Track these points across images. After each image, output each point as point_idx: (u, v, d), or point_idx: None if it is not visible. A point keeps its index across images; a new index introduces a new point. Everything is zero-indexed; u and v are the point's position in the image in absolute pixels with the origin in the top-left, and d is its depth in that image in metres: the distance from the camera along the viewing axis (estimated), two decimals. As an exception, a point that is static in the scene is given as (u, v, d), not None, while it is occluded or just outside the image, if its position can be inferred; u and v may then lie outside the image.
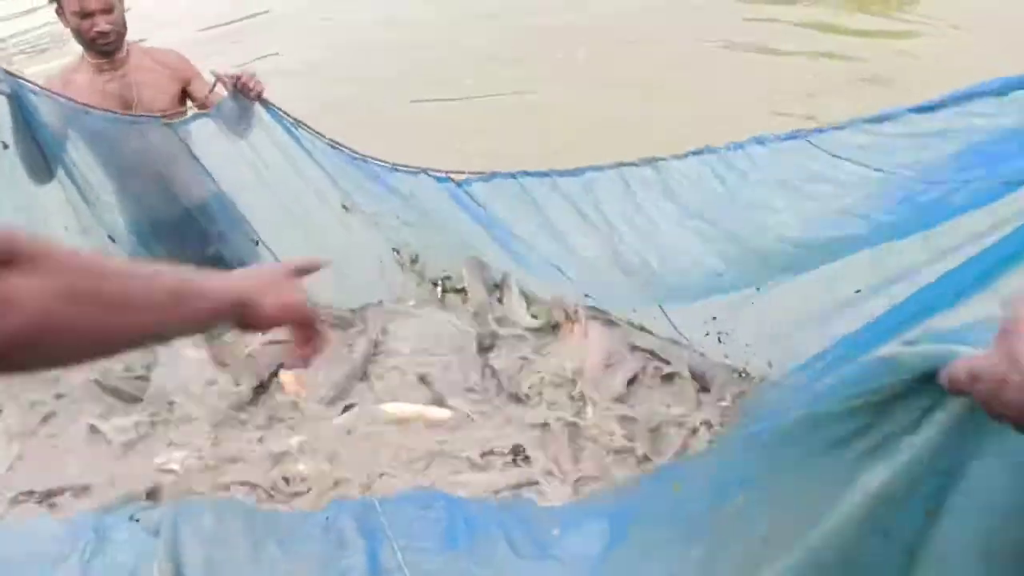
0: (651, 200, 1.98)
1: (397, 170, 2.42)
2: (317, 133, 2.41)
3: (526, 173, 2.20)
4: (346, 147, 2.41)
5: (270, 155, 2.50)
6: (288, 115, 2.41)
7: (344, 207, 2.61)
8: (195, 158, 2.53)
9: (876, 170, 1.64)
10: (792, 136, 1.73)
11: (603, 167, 2.04)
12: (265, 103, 2.38)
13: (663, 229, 2.00)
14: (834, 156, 1.67)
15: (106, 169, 2.54)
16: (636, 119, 5.08)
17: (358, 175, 2.47)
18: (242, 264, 2.55)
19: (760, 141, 1.77)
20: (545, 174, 2.16)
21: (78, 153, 2.47)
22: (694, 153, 1.87)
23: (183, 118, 2.53)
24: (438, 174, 2.37)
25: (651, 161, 1.94)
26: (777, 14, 7.21)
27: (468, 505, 1.79)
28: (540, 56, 6.65)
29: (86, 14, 2.36)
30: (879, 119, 1.62)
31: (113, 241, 2.66)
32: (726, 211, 1.87)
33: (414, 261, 2.73)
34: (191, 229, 2.70)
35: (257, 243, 2.74)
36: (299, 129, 2.41)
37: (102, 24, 2.38)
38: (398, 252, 2.72)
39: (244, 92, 2.34)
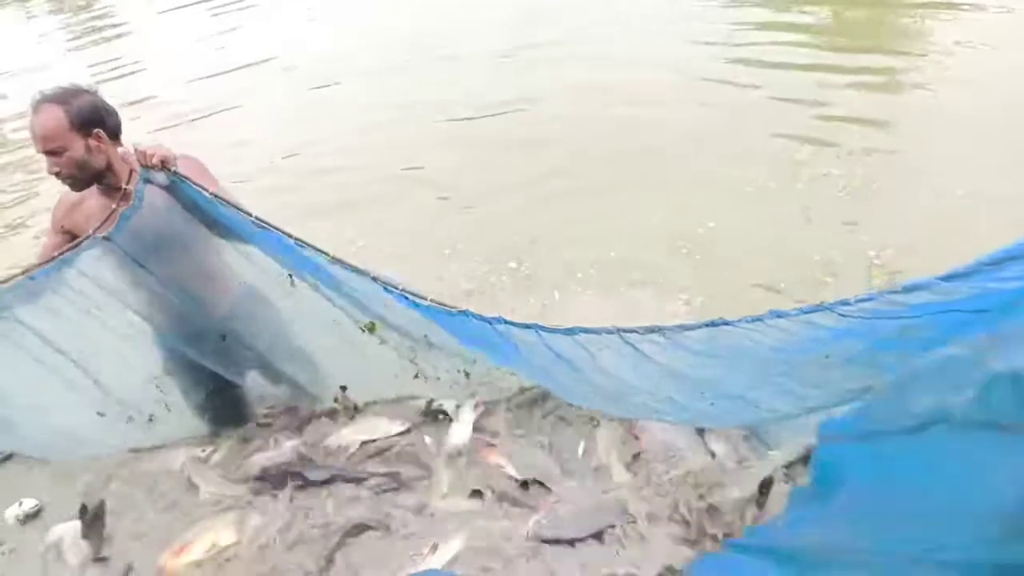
0: (657, 353, 1.83)
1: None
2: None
3: (504, 321, 1.95)
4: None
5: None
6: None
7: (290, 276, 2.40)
8: None
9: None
10: (816, 309, 1.61)
11: (599, 330, 1.84)
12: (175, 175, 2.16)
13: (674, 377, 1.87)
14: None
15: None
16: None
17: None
18: None
19: (780, 314, 1.64)
20: (528, 326, 1.93)
21: None
22: (707, 325, 1.71)
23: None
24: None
25: (657, 329, 1.76)
26: None
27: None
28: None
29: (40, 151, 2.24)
30: (908, 289, 1.53)
31: None
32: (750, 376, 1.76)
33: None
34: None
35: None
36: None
37: (48, 166, 2.25)
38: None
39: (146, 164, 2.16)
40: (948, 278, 1.49)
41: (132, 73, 9.59)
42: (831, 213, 4.77)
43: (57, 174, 2.25)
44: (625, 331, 1.80)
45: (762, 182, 5.19)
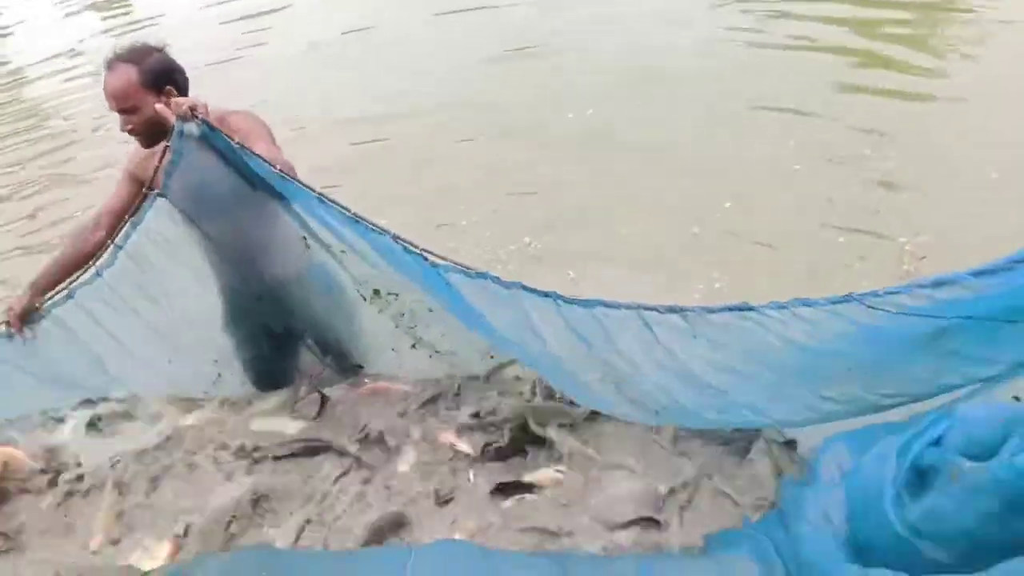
0: (676, 341, 1.79)
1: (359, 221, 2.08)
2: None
3: (523, 287, 1.92)
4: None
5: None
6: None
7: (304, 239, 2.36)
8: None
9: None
10: (844, 299, 1.57)
11: (619, 304, 1.81)
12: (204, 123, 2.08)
13: (692, 368, 1.83)
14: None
15: None
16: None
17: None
18: None
19: (807, 303, 1.61)
20: (546, 294, 1.90)
21: None
22: (730, 309, 1.68)
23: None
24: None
25: (678, 310, 1.73)
26: None
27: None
28: None
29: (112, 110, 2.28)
30: (938, 283, 1.49)
31: None
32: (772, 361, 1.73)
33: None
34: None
35: None
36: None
37: (121, 124, 2.30)
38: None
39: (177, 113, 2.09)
40: (978, 274, 1.45)
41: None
42: (859, 196, 4.66)
43: (130, 131, 2.29)
44: (646, 308, 1.77)
45: (787, 163, 5.08)
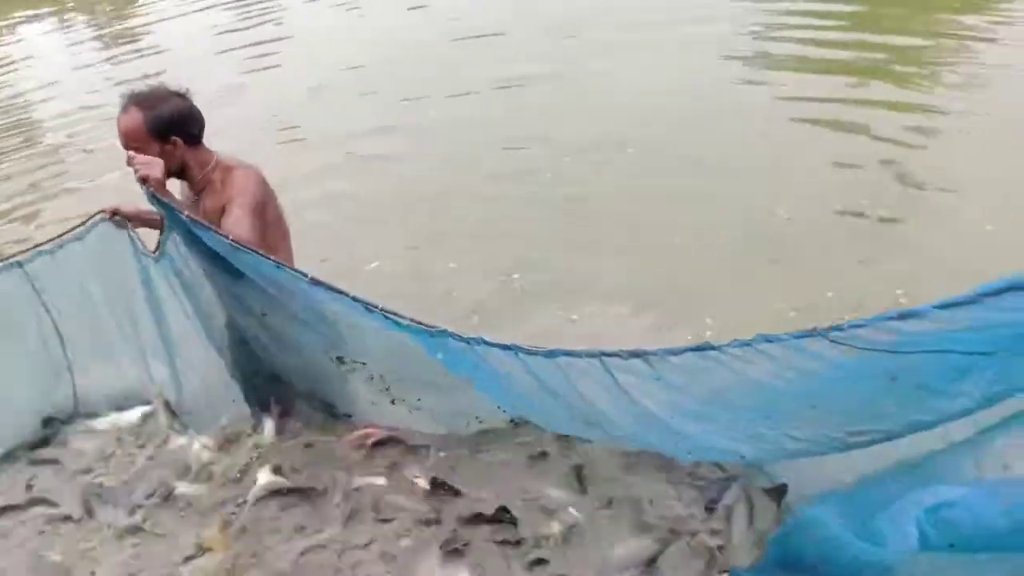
0: (639, 386, 1.73)
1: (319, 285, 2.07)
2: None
3: (484, 341, 1.87)
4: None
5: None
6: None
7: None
8: None
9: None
10: (807, 335, 1.51)
11: (579, 353, 1.75)
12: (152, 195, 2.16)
13: (658, 414, 1.77)
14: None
15: None
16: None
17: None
18: None
19: (770, 339, 1.54)
20: (507, 347, 1.85)
21: None
22: (692, 350, 1.62)
23: None
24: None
25: (640, 354, 1.67)
26: None
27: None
28: None
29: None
30: (903, 316, 1.43)
31: None
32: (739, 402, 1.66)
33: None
34: None
35: None
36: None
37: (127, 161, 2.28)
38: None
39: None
40: (944, 306, 1.39)
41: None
42: (852, 247, 4.62)
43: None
44: (607, 355, 1.71)
45: (780, 212, 5.06)
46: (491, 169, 6.16)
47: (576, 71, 7.83)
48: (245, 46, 10.43)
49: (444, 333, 1.91)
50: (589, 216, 5.33)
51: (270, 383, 2.69)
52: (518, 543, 2.04)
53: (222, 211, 2.34)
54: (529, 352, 1.81)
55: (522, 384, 1.92)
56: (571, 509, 2.11)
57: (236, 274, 2.28)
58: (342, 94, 8.28)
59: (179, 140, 2.33)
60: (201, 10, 12.95)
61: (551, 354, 1.78)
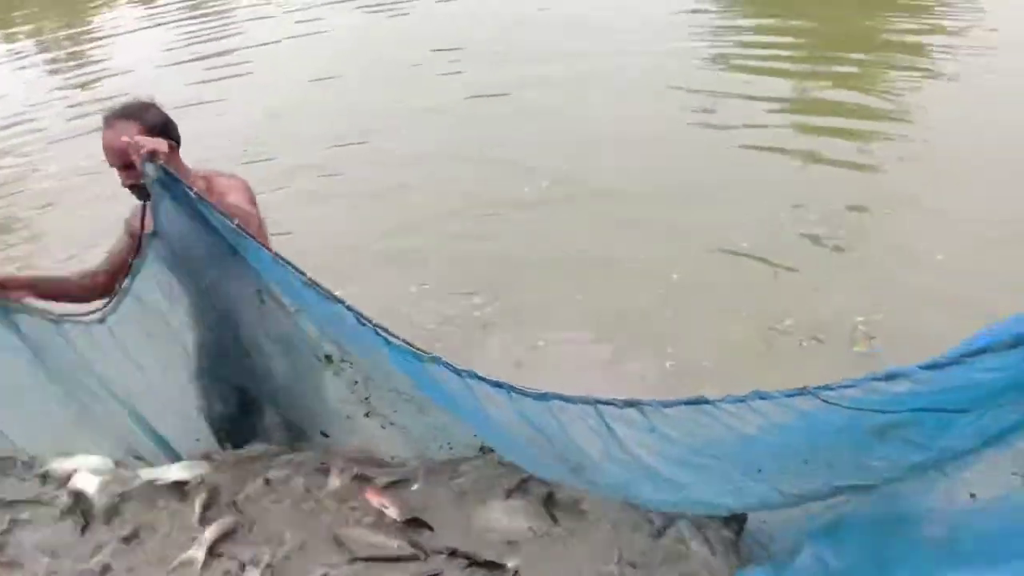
0: (633, 438, 1.77)
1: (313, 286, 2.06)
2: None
3: (475, 375, 1.89)
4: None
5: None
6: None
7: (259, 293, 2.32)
8: None
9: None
10: (799, 392, 1.57)
11: (573, 399, 1.79)
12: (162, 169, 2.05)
13: (648, 462, 1.81)
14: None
15: None
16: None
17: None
18: None
19: (763, 396, 1.60)
20: (499, 384, 1.87)
21: None
22: (687, 403, 1.67)
23: None
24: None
25: (635, 403, 1.71)
26: None
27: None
28: None
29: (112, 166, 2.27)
30: (889, 377, 1.50)
31: None
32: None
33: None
34: None
35: None
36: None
37: (121, 179, 2.28)
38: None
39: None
40: (929, 367, 1.46)
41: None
42: (809, 275, 4.76)
43: (131, 187, 2.27)
44: (603, 403, 1.75)
45: (736, 239, 5.18)
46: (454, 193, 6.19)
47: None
48: (201, 59, 10.27)
49: (437, 360, 1.92)
50: (548, 244, 5.39)
51: (239, 413, 2.62)
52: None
53: None
54: (521, 392, 1.83)
55: (508, 423, 1.93)
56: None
57: (227, 265, 2.25)
58: (303, 111, 8.21)
59: (174, 144, 2.25)
60: (155, 26, 12.67)
61: (543, 397, 1.80)
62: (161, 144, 2.06)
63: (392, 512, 2.21)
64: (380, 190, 6.35)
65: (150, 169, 2.04)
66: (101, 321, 2.39)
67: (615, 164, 6.36)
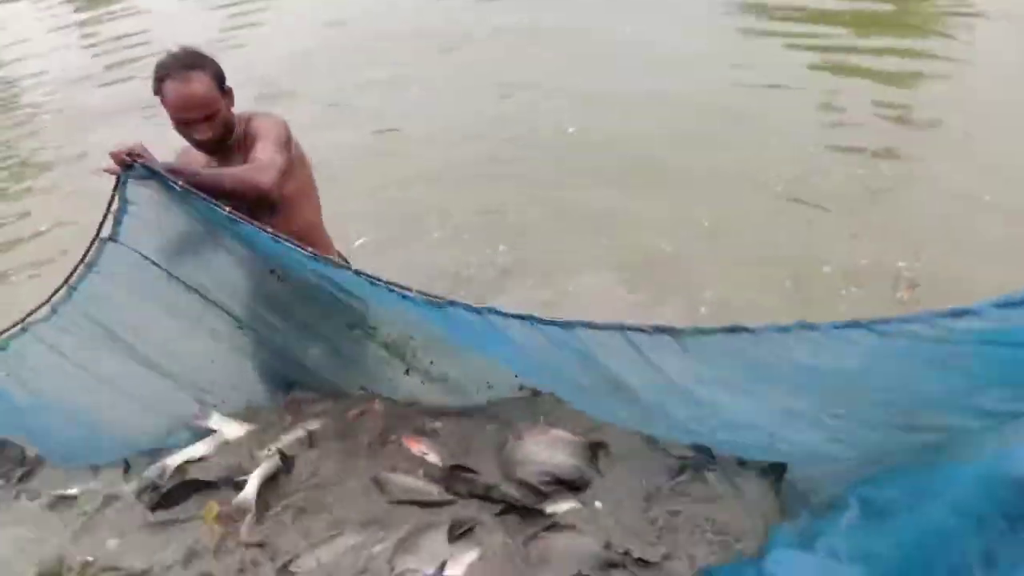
0: (667, 362, 1.64)
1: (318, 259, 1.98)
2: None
3: (496, 311, 1.77)
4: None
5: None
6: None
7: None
8: None
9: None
10: (851, 325, 1.43)
11: (600, 325, 1.65)
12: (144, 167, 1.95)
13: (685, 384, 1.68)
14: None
15: None
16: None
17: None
18: None
19: (810, 327, 1.46)
20: (522, 317, 1.74)
21: None
22: (725, 330, 1.53)
23: None
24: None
25: (667, 330, 1.58)
26: None
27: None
28: None
29: (185, 123, 2.14)
30: (956, 314, 1.35)
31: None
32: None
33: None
34: None
35: None
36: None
37: (202, 134, 2.17)
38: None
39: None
40: (1002, 305, 1.30)
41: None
42: (845, 218, 4.55)
43: (208, 140, 2.18)
44: (631, 329, 1.61)
45: (773, 183, 4.97)
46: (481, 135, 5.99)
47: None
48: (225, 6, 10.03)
49: (453, 304, 1.81)
50: (577, 188, 5.21)
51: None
52: (528, 519, 1.99)
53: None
54: (545, 323, 1.71)
55: (538, 354, 1.82)
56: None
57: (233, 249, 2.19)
58: (329, 53, 8.01)
59: (231, 88, 2.21)
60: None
61: (568, 325, 1.68)
62: (136, 145, 1.96)
63: (433, 458, 2.19)
64: (395, 134, 6.19)
65: (138, 171, 1.96)
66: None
67: (642, 107, 6.14)
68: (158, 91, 2.13)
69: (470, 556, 1.87)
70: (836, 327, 1.44)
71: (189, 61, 2.12)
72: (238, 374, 2.52)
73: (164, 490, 2.22)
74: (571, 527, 1.93)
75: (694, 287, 4.10)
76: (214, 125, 2.16)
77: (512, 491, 2.04)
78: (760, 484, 1.96)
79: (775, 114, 5.90)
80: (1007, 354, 1.32)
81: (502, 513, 2.01)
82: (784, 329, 1.48)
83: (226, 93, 2.20)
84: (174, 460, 2.32)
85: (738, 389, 1.65)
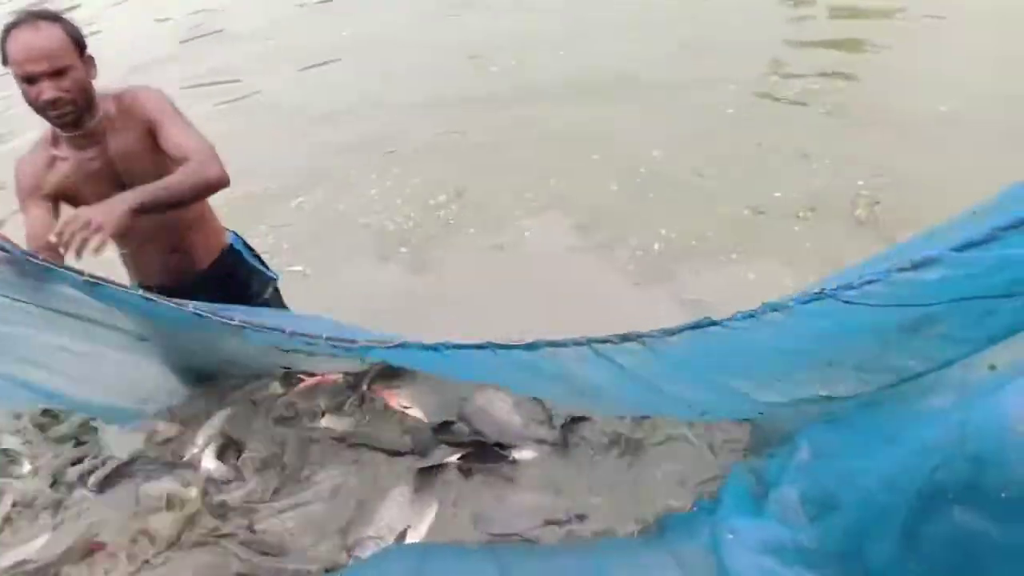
0: (638, 366, 1.59)
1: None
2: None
3: (453, 345, 1.69)
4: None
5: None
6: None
7: None
8: None
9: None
10: (817, 297, 1.38)
11: (565, 342, 1.59)
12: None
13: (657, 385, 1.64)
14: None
15: None
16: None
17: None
18: None
19: (776, 307, 1.41)
20: (481, 346, 1.67)
21: None
22: (691, 327, 1.48)
23: None
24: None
25: (633, 337, 1.52)
26: None
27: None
28: None
29: (29, 79, 1.93)
30: (917, 265, 1.30)
31: None
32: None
33: None
34: None
35: None
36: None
37: (49, 91, 1.95)
38: None
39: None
40: (964, 247, 1.25)
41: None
42: (798, 142, 4.52)
43: (57, 101, 1.97)
44: (597, 341, 1.56)
45: (722, 108, 4.92)
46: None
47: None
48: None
49: (404, 345, 1.72)
50: (526, 135, 5.12)
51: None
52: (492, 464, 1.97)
53: (144, 141, 2.11)
54: (506, 347, 1.64)
55: (507, 369, 1.76)
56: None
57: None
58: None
59: (92, 57, 2.03)
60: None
61: (532, 347, 1.61)
62: (112, 212, 1.78)
63: (416, 412, 2.11)
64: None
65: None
66: None
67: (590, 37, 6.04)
68: (4, 53, 1.96)
69: (428, 517, 1.84)
70: (801, 301, 1.39)
71: (42, 14, 1.98)
72: (162, 375, 2.32)
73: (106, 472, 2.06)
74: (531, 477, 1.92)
75: (647, 225, 4.07)
76: (64, 84, 1.96)
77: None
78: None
79: (719, 32, 5.82)
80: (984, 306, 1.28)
81: (465, 458, 1.98)
82: (751, 315, 1.42)
83: (85, 59, 2.03)
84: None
85: (711, 383, 1.63)
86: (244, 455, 2.06)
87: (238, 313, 1.78)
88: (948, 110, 4.45)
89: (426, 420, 2.09)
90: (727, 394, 1.67)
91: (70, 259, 1.82)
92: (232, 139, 4.03)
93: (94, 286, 1.78)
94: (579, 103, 5.29)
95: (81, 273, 1.78)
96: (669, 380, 1.63)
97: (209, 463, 2.05)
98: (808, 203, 3.96)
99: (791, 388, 1.62)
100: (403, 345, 1.69)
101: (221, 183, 2.03)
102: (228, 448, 2.11)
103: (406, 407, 2.11)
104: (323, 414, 2.16)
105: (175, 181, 1.97)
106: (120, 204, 1.84)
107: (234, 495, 1.95)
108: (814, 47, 5.54)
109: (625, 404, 1.96)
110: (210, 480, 2.00)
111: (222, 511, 1.91)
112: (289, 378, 2.33)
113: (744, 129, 4.71)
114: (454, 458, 1.98)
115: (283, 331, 1.74)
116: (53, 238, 1.75)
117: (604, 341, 1.55)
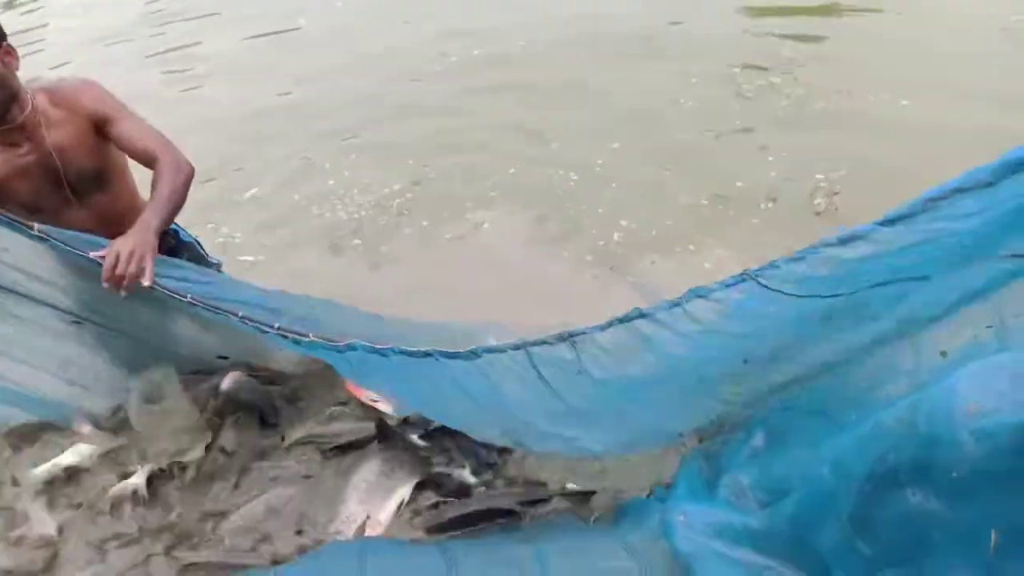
0: (562, 380, 1.61)
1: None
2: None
3: (400, 351, 1.70)
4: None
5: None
6: None
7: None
8: None
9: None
10: (740, 280, 1.38)
11: (503, 347, 1.60)
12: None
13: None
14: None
15: None
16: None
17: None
18: None
19: (700, 293, 1.41)
20: (427, 354, 1.68)
21: None
22: (621, 321, 1.48)
23: None
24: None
25: (566, 337, 1.53)
26: None
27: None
28: None
29: None
30: (843, 241, 1.30)
31: None
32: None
33: None
34: None
35: None
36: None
37: None
38: None
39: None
40: (890, 221, 1.24)
41: None
42: (757, 135, 4.52)
43: None
44: (534, 344, 1.57)
45: (683, 100, 4.93)
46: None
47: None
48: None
49: (354, 347, 1.75)
50: (486, 124, 5.11)
51: None
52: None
53: (85, 135, 2.05)
54: (449, 356, 1.65)
55: (441, 391, 1.77)
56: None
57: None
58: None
59: (12, 48, 1.94)
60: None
61: (472, 354, 1.63)
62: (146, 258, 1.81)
63: (384, 405, 2.12)
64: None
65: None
66: None
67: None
68: None
69: (388, 510, 1.86)
70: (725, 286, 1.39)
71: None
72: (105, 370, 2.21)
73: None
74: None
75: (607, 216, 4.06)
76: None
77: None
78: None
79: (676, 27, 5.80)
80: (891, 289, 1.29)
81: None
82: (675, 304, 1.43)
83: (6, 50, 1.94)
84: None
85: (634, 404, 1.64)
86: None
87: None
88: (908, 104, 4.48)
89: (394, 415, 2.11)
90: (648, 419, 1.71)
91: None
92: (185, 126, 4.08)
93: None
94: (541, 94, 5.27)
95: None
96: (594, 401, 1.63)
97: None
98: (768, 194, 3.97)
99: (712, 392, 1.64)
100: (353, 347, 1.71)
101: (193, 172, 2.04)
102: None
103: (375, 400, 2.12)
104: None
105: (169, 189, 1.97)
106: (147, 231, 1.87)
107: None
108: (775, 40, 5.55)
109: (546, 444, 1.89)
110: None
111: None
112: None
113: (704, 121, 4.71)
114: (415, 436, 2.02)
115: (235, 315, 1.78)
116: (105, 285, 1.78)
117: (540, 343, 1.56)
